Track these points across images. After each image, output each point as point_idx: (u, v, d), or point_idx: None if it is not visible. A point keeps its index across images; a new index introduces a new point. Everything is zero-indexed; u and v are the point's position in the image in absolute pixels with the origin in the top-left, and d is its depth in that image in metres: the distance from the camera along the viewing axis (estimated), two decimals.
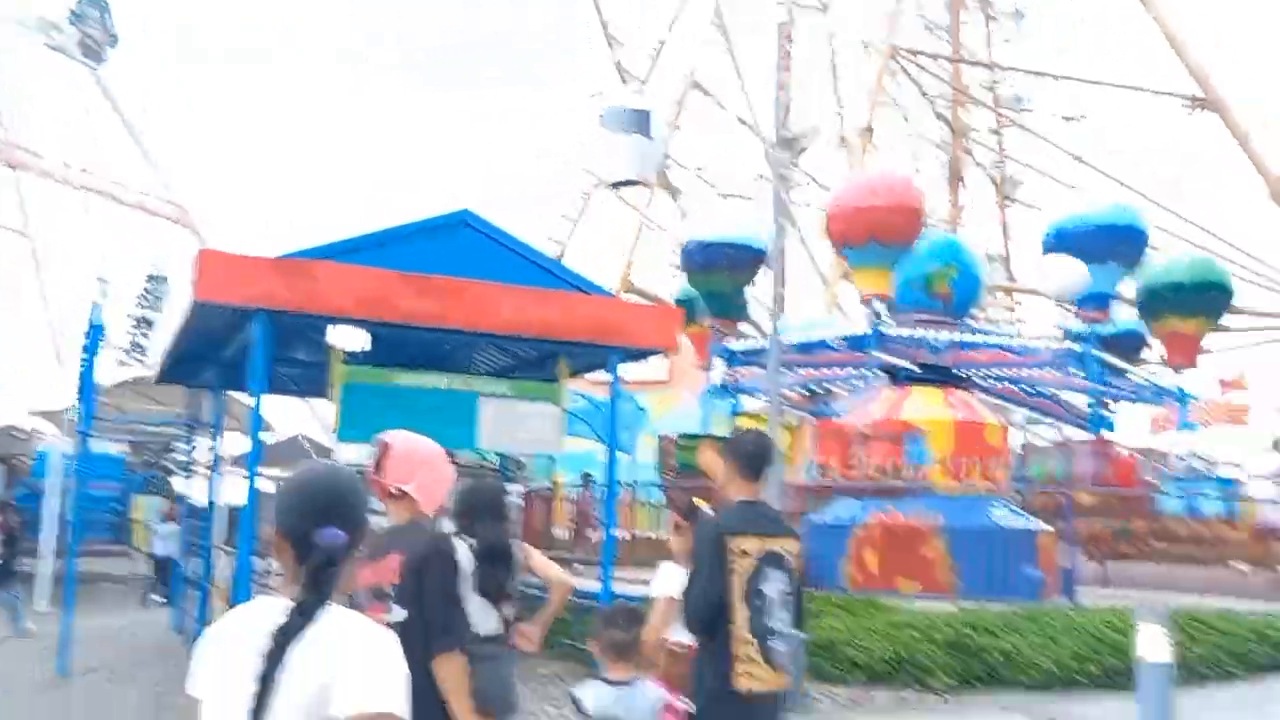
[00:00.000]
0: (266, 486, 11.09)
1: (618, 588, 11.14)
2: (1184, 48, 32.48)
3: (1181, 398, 16.31)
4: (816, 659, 9.25)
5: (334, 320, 9.27)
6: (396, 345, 11.16)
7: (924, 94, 35.85)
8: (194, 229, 37.08)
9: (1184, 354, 14.99)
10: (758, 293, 17.77)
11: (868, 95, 32.38)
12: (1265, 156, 32.12)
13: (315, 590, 1.91)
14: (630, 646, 3.94)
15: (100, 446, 18.17)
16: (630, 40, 34.27)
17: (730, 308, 17.83)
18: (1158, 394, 15.68)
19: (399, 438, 3.74)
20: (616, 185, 28.41)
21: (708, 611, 3.76)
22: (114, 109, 39.37)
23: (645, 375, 22.55)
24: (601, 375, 11.05)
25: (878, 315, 14.22)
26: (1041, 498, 15.66)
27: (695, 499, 4.74)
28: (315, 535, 1.95)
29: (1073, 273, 13.47)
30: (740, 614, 3.71)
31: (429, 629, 3.31)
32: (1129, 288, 16.29)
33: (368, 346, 10.36)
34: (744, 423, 18.30)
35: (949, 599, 11.79)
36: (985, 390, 17.05)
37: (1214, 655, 9.69)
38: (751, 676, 3.70)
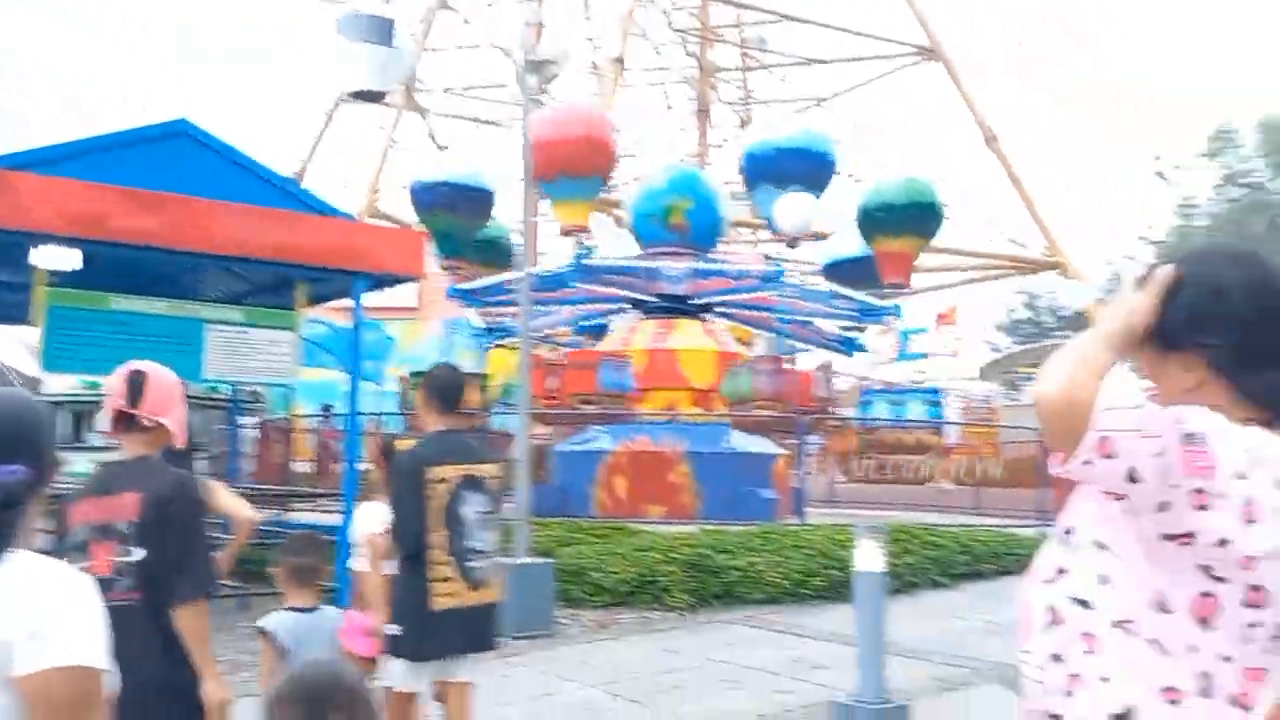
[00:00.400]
0: None
1: None
2: None
3: (899, 314, 17.36)
4: (564, 584, 9.38)
5: (38, 238, 8.39)
6: (115, 267, 10.25)
7: (674, 28, 36.32)
8: None
9: (898, 272, 15.79)
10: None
11: (619, 25, 32.42)
12: (980, 106, 34.78)
13: None
14: (311, 573, 3.96)
15: None
16: None
17: (461, 248, 17.30)
18: (878, 314, 16.57)
19: (151, 367, 3.43)
20: (355, 96, 27.12)
21: (415, 540, 3.88)
22: None
23: (393, 302, 21.94)
24: (347, 302, 10.61)
25: (584, 248, 14.24)
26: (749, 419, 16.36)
27: (394, 439, 4.84)
28: None
29: (804, 208, 14.09)
30: (438, 537, 3.85)
31: (177, 574, 3.06)
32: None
33: (78, 266, 9.47)
34: (497, 355, 18.19)
35: (692, 522, 12.23)
36: (731, 319, 17.65)
37: (923, 565, 10.57)
38: (451, 595, 3.87)
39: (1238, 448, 1.31)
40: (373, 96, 27.15)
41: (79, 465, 24.87)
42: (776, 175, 13.94)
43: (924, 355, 27.95)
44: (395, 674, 3.93)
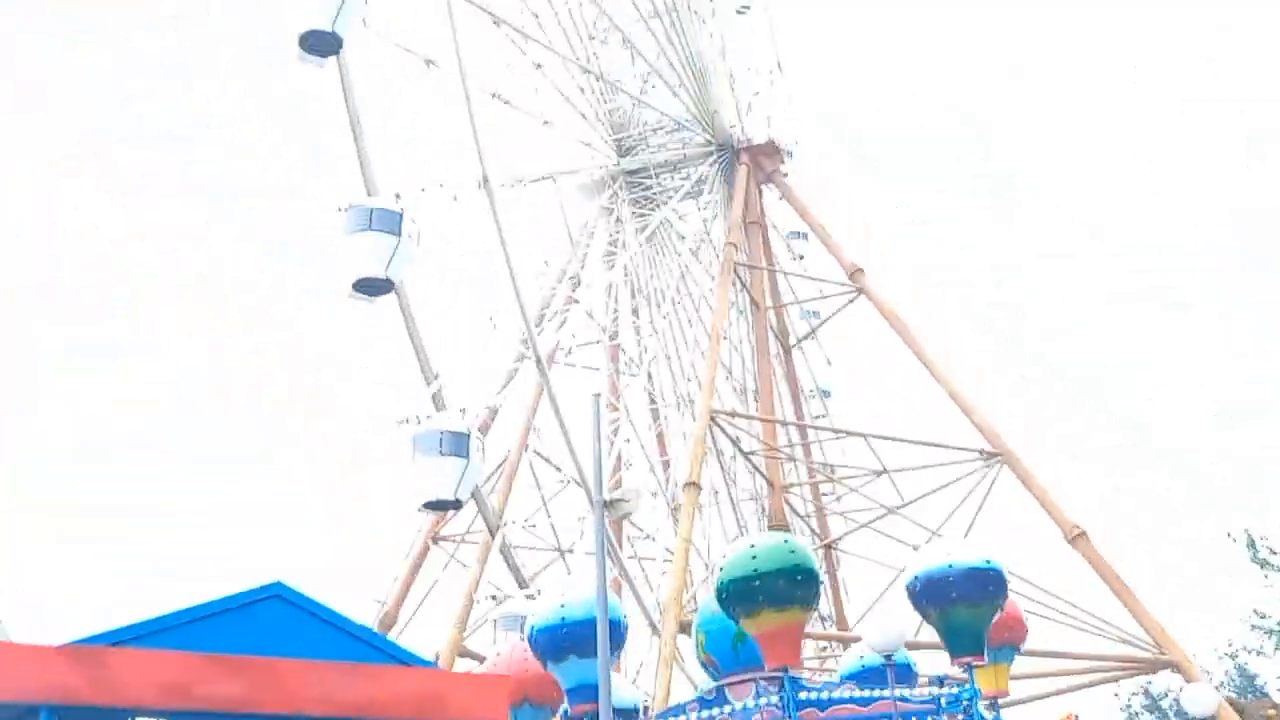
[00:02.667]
0: None
1: None
2: (972, 409, 35.74)
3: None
4: None
5: (132, 712, 8.57)
6: None
7: (741, 451, 37.67)
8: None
9: (784, 654, 14.17)
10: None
11: (693, 449, 33.71)
12: (1058, 503, 34.70)
13: None
14: None
15: None
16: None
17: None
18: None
19: None
20: (429, 506, 27.71)
21: None
22: None
23: None
24: None
25: None
26: None
27: None
28: None
29: (895, 626, 13.84)
30: None
31: None
32: None
33: None
34: None
35: None
36: None
37: None
38: None
39: None
40: (445, 505, 27.71)
41: None
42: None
43: None
44: None
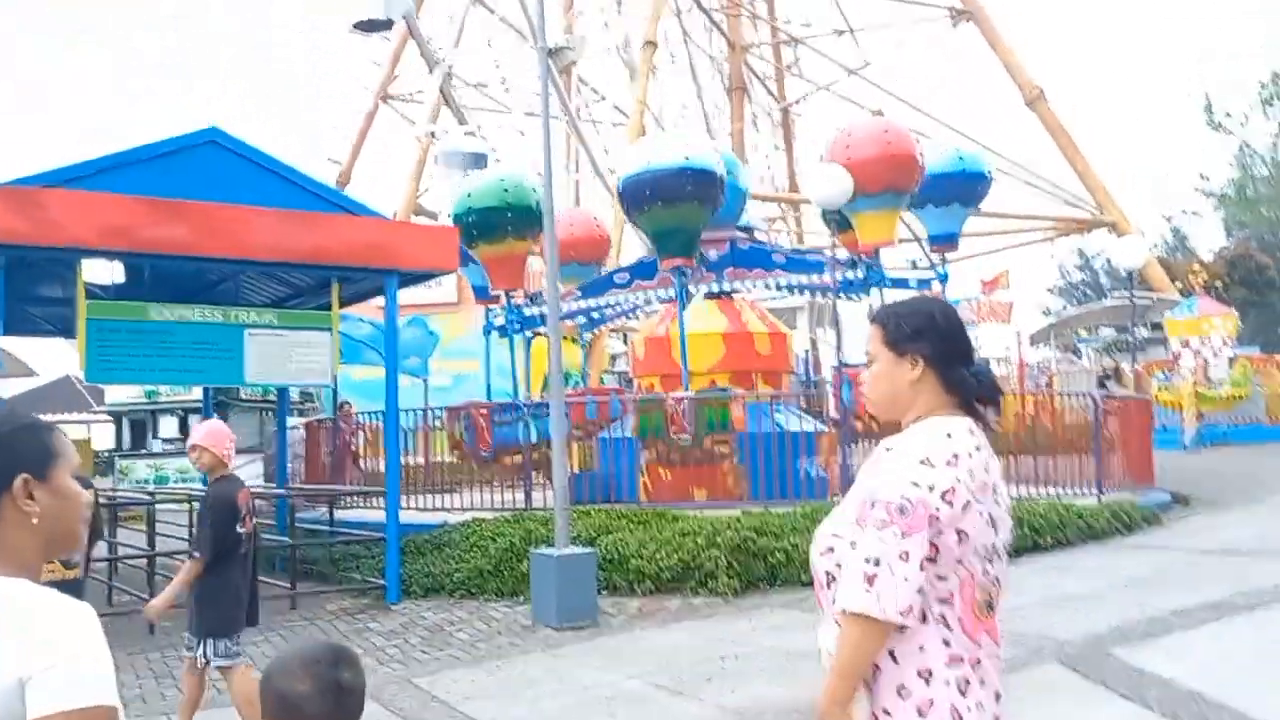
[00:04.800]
0: None
1: (407, 516, 10.95)
2: None
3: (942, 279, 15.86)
4: (607, 572, 9.38)
5: (76, 252, 8.54)
6: (158, 279, 10.43)
7: (700, 6, 36.00)
8: None
9: (508, 279, 14.67)
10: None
11: (652, 6, 32.15)
12: (1021, 65, 34.10)
13: None
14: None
15: None
16: None
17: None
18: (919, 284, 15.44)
19: None
20: (359, 27, 27.85)
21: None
22: None
23: (434, 298, 22.03)
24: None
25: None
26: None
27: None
28: None
29: (839, 182, 13.80)
30: None
31: None
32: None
33: (120, 279, 9.60)
34: (537, 346, 18.12)
35: (737, 504, 12.12)
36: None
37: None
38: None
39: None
40: (376, 26, 27.94)
41: (140, 471, 25.22)
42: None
43: (972, 324, 27.47)
44: None
